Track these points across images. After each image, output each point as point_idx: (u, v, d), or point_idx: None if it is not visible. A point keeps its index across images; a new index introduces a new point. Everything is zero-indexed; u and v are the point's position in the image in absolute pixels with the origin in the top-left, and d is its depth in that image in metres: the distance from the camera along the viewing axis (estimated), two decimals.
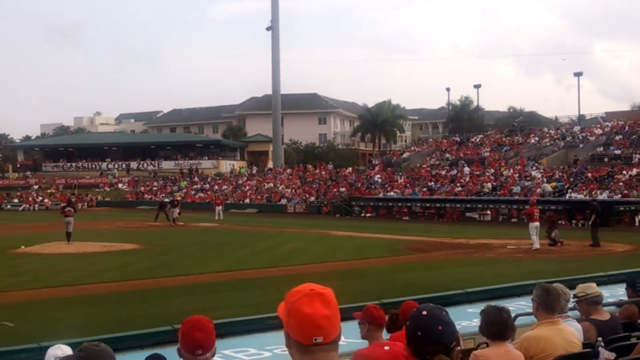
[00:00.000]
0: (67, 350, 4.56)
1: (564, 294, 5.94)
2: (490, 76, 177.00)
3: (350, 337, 6.17)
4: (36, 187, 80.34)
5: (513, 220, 44.32)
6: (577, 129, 62.63)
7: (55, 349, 4.69)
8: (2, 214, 64.14)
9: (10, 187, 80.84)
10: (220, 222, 47.46)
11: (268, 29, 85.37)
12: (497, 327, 4.79)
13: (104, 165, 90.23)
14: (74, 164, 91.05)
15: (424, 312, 3.02)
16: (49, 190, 78.54)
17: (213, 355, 3.99)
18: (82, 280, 21.30)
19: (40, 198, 74.25)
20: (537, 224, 28.52)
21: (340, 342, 2.59)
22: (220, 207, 51.68)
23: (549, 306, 5.72)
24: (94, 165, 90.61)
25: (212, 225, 44.89)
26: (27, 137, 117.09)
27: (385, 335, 6.01)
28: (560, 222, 35.24)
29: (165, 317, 12.49)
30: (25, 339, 10.77)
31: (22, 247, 30.64)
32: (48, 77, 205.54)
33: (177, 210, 46.96)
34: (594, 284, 6.96)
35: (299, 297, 2.53)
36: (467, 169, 57.10)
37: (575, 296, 6.87)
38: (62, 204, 38.92)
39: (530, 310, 7.01)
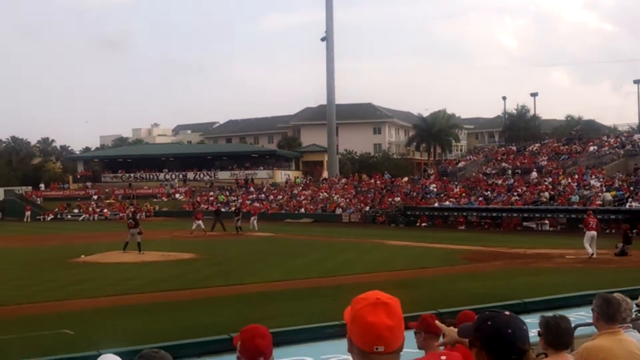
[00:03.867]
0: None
1: (625, 304, 5.81)
2: (546, 84, 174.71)
3: (407, 346, 6.13)
4: (95, 197, 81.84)
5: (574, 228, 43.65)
6: (637, 136, 61.33)
7: (104, 358, 4.73)
8: (63, 224, 65.46)
9: (70, 197, 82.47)
10: (254, 232, 47.74)
11: (323, 39, 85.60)
12: (557, 337, 4.72)
13: (161, 175, 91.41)
14: (132, 175, 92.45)
15: (507, 312, 2.96)
16: (107, 201, 79.92)
17: None
18: (141, 289, 21.59)
19: (99, 208, 75.59)
20: (593, 233, 28.19)
21: None
22: (254, 218, 51.65)
23: (609, 316, 5.61)
24: (151, 176, 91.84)
25: (267, 235, 45.09)
26: (87, 149, 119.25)
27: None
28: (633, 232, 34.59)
29: (221, 326, 12.58)
30: (84, 347, 10.95)
31: (82, 256, 31.19)
32: (106, 89, 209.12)
33: (240, 218, 48.25)
34: None
35: (364, 304, 2.55)
36: (534, 174, 56.45)
37: (637, 305, 6.71)
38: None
39: (590, 321, 6.89)
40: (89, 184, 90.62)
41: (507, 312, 2.95)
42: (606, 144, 61.83)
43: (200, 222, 45.75)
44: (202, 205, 74.38)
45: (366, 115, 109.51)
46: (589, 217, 29.39)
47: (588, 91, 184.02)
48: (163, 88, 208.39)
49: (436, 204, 56.45)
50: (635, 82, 70.64)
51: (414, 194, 61.96)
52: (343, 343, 2.84)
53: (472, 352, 2.95)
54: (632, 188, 47.42)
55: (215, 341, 10.66)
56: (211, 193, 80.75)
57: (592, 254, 27.87)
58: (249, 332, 4.01)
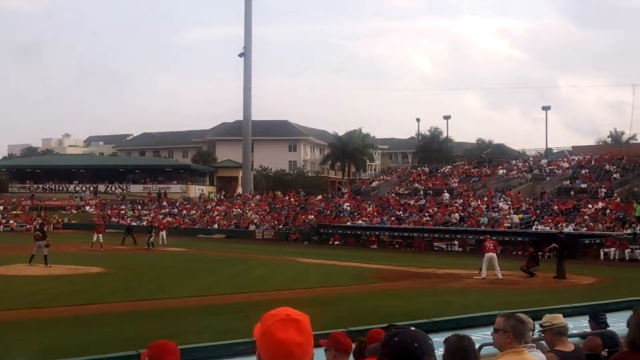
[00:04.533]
0: None
1: (529, 324, 5.99)
2: (458, 108, 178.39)
3: None
4: (1, 208, 79.37)
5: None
6: (544, 162, 63.35)
7: None
8: None
9: None
10: (164, 247, 47.38)
11: (240, 55, 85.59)
12: (459, 356, 4.80)
13: (71, 187, 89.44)
14: (41, 186, 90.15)
15: (412, 328, 3.02)
16: (14, 212, 77.65)
17: None
18: (46, 303, 21.02)
19: (5, 219, 73.35)
20: (490, 254, 28.99)
21: None
22: (164, 232, 51.23)
23: (522, 335, 5.76)
24: (61, 187, 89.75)
25: (179, 250, 44.63)
26: None
27: None
28: (544, 254, 35.63)
29: (130, 342, 12.38)
30: None
31: None
32: (15, 96, 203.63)
33: (152, 234, 47.84)
34: (561, 315, 6.99)
35: (274, 321, 2.53)
36: (446, 195, 57.56)
37: (541, 325, 6.91)
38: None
39: None
40: None
41: (412, 328, 3.01)
42: (515, 167, 63.61)
43: (100, 235, 44.84)
44: (113, 219, 73.19)
45: (282, 133, 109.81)
46: (486, 240, 30.55)
47: (498, 116, 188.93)
48: (75, 98, 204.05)
49: (349, 223, 56.91)
50: (544, 108, 72.97)
51: (328, 212, 62.32)
52: None
53: None
54: (538, 211, 48.86)
55: (123, 357, 10.48)
56: (122, 206, 79.48)
57: (483, 276, 28.62)
58: (157, 347, 3.99)
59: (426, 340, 2.93)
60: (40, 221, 62.92)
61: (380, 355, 3.00)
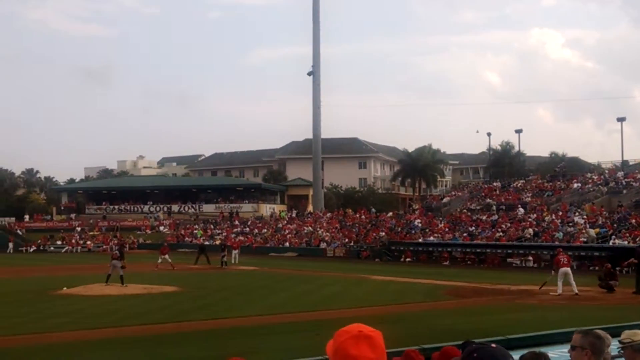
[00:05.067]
0: None
1: (607, 340, 5.81)
2: (530, 121, 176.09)
3: None
4: (79, 229, 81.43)
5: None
6: (620, 174, 61.82)
7: None
8: (45, 255, 65.04)
9: (53, 229, 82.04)
10: (236, 266, 47.75)
11: (309, 74, 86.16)
12: None
13: (145, 208, 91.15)
14: (116, 207, 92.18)
15: (493, 345, 2.99)
16: (91, 233, 79.56)
17: None
18: (123, 321, 21.40)
19: (82, 240, 75.16)
20: (565, 269, 28.27)
21: None
22: (237, 251, 51.66)
23: (600, 352, 5.60)
24: (136, 208, 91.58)
25: (251, 269, 44.96)
26: (72, 180, 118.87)
27: None
28: (622, 269, 34.84)
29: None
30: None
31: (64, 288, 30.92)
32: (91, 120, 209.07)
33: (225, 253, 48.18)
34: (639, 331, 6.76)
35: (347, 337, 2.52)
36: (521, 210, 56.73)
37: (621, 342, 6.69)
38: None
39: None
40: (72, 215, 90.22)
41: (493, 345, 2.99)
42: (590, 181, 62.25)
43: (166, 256, 45.46)
44: (187, 239, 74.26)
45: (352, 150, 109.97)
46: (559, 254, 29.54)
47: (571, 128, 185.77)
48: (149, 120, 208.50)
49: (420, 239, 56.53)
50: (619, 119, 71.34)
51: (399, 229, 62.03)
52: None
53: None
54: (615, 225, 47.67)
55: None
56: (195, 226, 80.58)
57: (559, 292, 27.95)
58: None
59: (506, 357, 2.91)
60: (118, 242, 64.59)
61: None
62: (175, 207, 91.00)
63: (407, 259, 53.21)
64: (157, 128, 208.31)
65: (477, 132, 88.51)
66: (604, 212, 51.34)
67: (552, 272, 29.77)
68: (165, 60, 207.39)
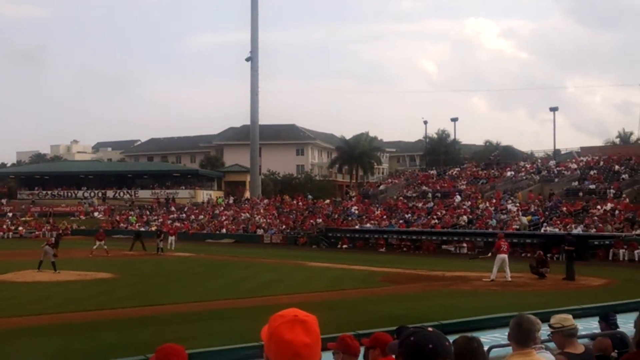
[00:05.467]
0: None
1: (535, 325, 5.94)
2: (466, 110, 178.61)
3: None
4: (11, 214, 79.59)
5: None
6: (552, 163, 63.24)
7: None
8: None
9: None
10: (172, 252, 47.36)
11: (247, 59, 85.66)
12: (467, 357, 4.76)
13: (80, 193, 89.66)
14: (49, 192, 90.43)
15: (430, 329, 3.02)
16: (23, 218, 77.86)
17: None
18: (56, 308, 21.08)
19: (14, 226, 73.53)
20: (503, 256, 28.72)
21: None
22: (173, 237, 51.31)
23: (520, 339, 5.73)
24: (69, 194, 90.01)
25: (187, 255, 44.66)
26: (3, 165, 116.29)
27: None
28: (552, 256, 35.71)
29: (138, 347, 12.39)
30: None
31: None
32: (23, 104, 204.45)
33: (161, 240, 47.76)
34: (571, 316, 6.90)
35: (282, 322, 2.51)
36: (458, 197, 57.52)
37: (551, 327, 6.85)
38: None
39: (504, 342, 6.99)
40: (3, 200, 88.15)
41: (430, 329, 3.02)
42: (523, 169, 63.51)
43: (102, 242, 44.85)
44: (122, 225, 73.38)
45: (289, 137, 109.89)
46: (500, 240, 29.76)
47: (506, 117, 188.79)
48: (83, 104, 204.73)
49: (357, 226, 56.86)
50: (551, 109, 72.86)
51: (336, 215, 62.30)
52: None
53: None
54: (547, 213, 48.74)
55: None
56: (131, 212, 79.65)
57: (492, 278, 28.46)
58: (163, 351, 3.97)
59: (442, 342, 2.94)
60: (55, 229, 63.90)
61: (397, 353, 2.99)
62: (110, 193, 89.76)
63: (344, 246, 53.45)
64: (92, 112, 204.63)
65: (425, 121, 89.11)
66: (536, 200, 52.44)
67: (490, 254, 30.26)
68: (101, 43, 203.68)
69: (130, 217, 75.74)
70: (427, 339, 2.91)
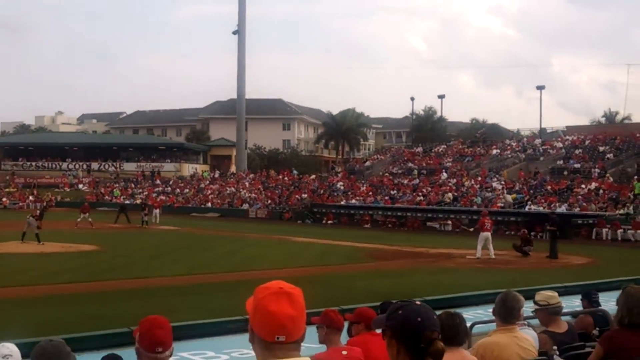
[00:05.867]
0: (13, 349, 4.49)
1: (519, 302, 5.98)
2: (453, 87, 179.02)
3: (309, 342, 6.17)
4: None
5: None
6: (538, 142, 63.41)
7: (0, 348, 4.61)
8: None
9: None
10: (157, 225, 47.40)
11: (234, 32, 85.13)
12: (450, 333, 4.79)
13: (64, 165, 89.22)
14: (33, 163, 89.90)
15: (418, 302, 3.01)
16: (7, 189, 77.41)
17: (171, 355, 3.98)
18: (39, 280, 21.04)
19: None
20: (487, 234, 28.87)
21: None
22: (157, 210, 51.23)
23: (504, 315, 5.79)
24: (54, 165, 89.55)
25: (172, 229, 44.63)
26: None
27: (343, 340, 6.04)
28: (536, 234, 36.02)
29: (122, 319, 12.41)
30: None
31: None
32: (7, 74, 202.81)
33: (146, 212, 47.80)
34: (556, 294, 6.95)
35: (267, 294, 2.52)
36: (444, 174, 57.68)
37: (536, 303, 6.89)
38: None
39: (487, 319, 7.03)
40: None
41: (417, 302, 3.00)
42: (508, 147, 63.69)
43: (86, 214, 44.75)
44: (106, 197, 73.15)
45: (276, 111, 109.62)
46: (484, 217, 29.83)
47: (492, 95, 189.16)
48: (69, 75, 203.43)
49: (343, 202, 56.94)
50: (538, 88, 72.89)
51: (322, 191, 62.33)
52: (245, 337, 2.83)
53: (385, 341, 2.98)
54: (531, 191, 48.95)
55: (115, 334, 10.50)
56: (116, 185, 79.39)
57: (477, 256, 28.66)
58: (147, 322, 3.98)
59: (430, 315, 2.93)
60: (40, 200, 63.65)
61: (385, 327, 2.98)
62: (95, 165, 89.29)
63: (329, 222, 53.54)
64: (77, 84, 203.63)
65: (412, 98, 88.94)
66: (521, 178, 52.66)
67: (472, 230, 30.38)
68: (86, 14, 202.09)
69: (114, 191, 75.40)
70: (416, 312, 2.90)
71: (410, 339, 2.86)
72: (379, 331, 3.48)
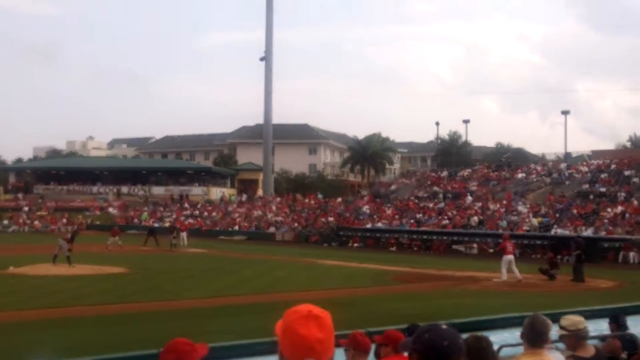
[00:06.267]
0: None
1: (547, 326, 6.04)
2: (477, 112, 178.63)
3: None
4: (27, 209, 79.96)
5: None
6: (563, 166, 63.09)
7: None
8: None
9: (0, 208, 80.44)
10: (185, 248, 47.59)
11: (262, 59, 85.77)
12: (477, 356, 4.83)
13: (94, 189, 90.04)
14: (65, 187, 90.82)
15: (444, 326, 3.03)
16: (39, 213, 78.26)
17: None
18: (69, 302, 21.32)
19: (30, 220, 74.01)
20: (510, 257, 28.87)
21: None
22: (184, 233, 51.45)
23: (532, 339, 5.84)
24: (84, 189, 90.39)
25: (200, 251, 44.89)
26: (19, 160, 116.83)
27: None
28: (562, 258, 35.82)
29: (151, 341, 12.56)
30: None
31: (11, 267, 30.60)
32: (40, 99, 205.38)
33: (174, 235, 48.08)
34: (583, 319, 6.93)
35: (296, 317, 2.56)
36: (469, 197, 57.58)
37: (564, 329, 6.89)
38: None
39: (514, 342, 7.09)
40: (20, 195, 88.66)
41: (444, 326, 3.03)
42: (534, 171, 63.39)
43: (116, 237, 45.17)
44: (135, 220, 73.65)
45: (302, 136, 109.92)
46: (506, 240, 30.06)
47: (517, 120, 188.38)
48: (99, 101, 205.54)
49: (369, 225, 56.95)
50: (563, 112, 72.66)
51: (347, 214, 62.39)
52: None
53: None
54: (557, 215, 48.70)
55: (143, 356, 10.66)
56: (145, 208, 79.96)
57: (503, 279, 28.59)
58: (172, 344, 3.90)
59: (456, 339, 2.96)
60: (73, 223, 64.38)
61: (411, 350, 3.01)
62: (124, 189, 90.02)
63: (355, 244, 53.57)
64: (107, 109, 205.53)
65: (437, 122, 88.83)
66: (547, 202, 52.40)
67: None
68: (116, 40, 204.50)
69: (142, 214, 75.88)
70: (442, 336, 2.92)
71: None
72: (406, 354, 3.54)
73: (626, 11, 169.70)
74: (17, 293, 23.19)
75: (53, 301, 21.51)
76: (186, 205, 79.93)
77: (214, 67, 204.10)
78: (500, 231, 45.75)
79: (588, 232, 42.73)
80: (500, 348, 8.92)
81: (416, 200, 61.67)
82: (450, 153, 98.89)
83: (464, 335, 4.08)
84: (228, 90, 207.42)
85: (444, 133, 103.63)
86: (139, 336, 15.62)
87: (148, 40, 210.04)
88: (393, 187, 71.95)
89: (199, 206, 78.59)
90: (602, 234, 42.98)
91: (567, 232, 44.11)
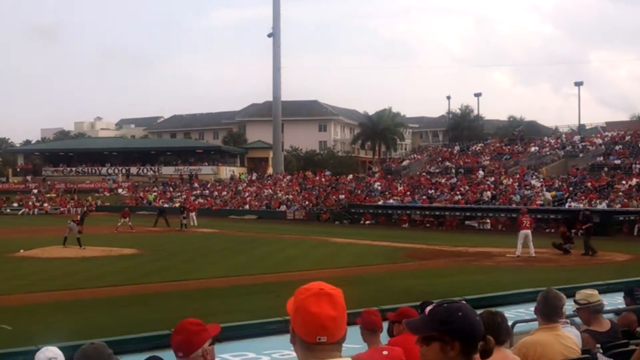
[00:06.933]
0: (57, 352, 4.54)
1: (561, 300, 5.92)
2: (488, 85, 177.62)
3: (350, 342, 6.16)
4: (36, 191, 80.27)
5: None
6: (577, 138, 62.66)
7: (45, 352, 4.67)
8: (2, 218, 64.16)
9: (10, 191, 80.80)
10: (195, 228, 47.60)
11: (269, 35, 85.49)
12: (491, 332, 4.71)
13: (103, 170, 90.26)
14: (73, 169, 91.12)
15: (463, 302, 2.84)
16: (48, 195, 78.56)
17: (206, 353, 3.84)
18: (80, 284, 21.30)
19: (39, 202, 74.23)
20: (527, 231, 28.64)
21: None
22: (194, 213, 51.40)
23: (546, 314, 5.73)
24: (93, 170, 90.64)
25: (211, 231, 44.89)
26: (28, 142, 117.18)
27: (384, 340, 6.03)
28: (577, 232, 35.60)
29: (163, 322, 12.47)
30: (23, 342, 10.75)
31: (21, 250, 30.69)
32: (47, 80, 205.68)
33: (185, 216, 48.01)
34: (596, 292, 6.86)
35: (308, 295, 2.53)
36: (481, 172, 57.33)
37: (577, 303, 6.82)
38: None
39: (528, 317, 6.96)
40: (29, 177, 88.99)
41: (463, 302, 2.83)
42: (547, 144, 63.00)
43: (127, 219, 45.15)
44: (145, 201, 73.77)
45: (312, 113, 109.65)
46: (523, 216, 29.87)
47: (529, 93, 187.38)
48: (107, 81, 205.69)
49: (380, 202, 56.80)
50: (576, 84, 72.07)
51: (359, 191, 62.25)
52: (286, 339, 2.83)
53: (431, 347, 2.74)
54: (571, 188, 48.39)
55: (156, 337, 10.56)
56: (154, 188, 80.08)
57: (518, 253, 28.42)
58: (183, 324, 3.87)
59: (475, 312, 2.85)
60: (82, 205, 64.57)
61: (442, 332, 2.71)
62: (134, 169, 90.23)
63: (367, 222, 53.48)
64: (115, 89, 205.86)
65: (448, 96, 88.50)
66: (561, 176, 52.06)
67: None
68: (123, 19, 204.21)
69: (149, 195, 75.87)
70: (473, 312, 2.77)
71: (474, 340, 2.72)
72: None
73: None
74: (28, 276, 23.18)
75: (64, 283, 21.49)
76: (196, 185, 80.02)
77: (222, 45, 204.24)
78: (514, 206, 45.59)
79: (603, 205, 42.43)
80: (514, 323, 8.76)
81: (428, 176, 61.45)
82: (462, 127, 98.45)
83: (479, 311, 3.94)
84: (236, 68, 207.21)
85: (456, 107, 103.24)
86: (151, 317, 15.60)
87: (154, 18, 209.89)
88: (404, 163, 71.70)
89: (208, 185, 78.69)
90: (617, 206, 42.66)
91: (581, 206, 43.82)
